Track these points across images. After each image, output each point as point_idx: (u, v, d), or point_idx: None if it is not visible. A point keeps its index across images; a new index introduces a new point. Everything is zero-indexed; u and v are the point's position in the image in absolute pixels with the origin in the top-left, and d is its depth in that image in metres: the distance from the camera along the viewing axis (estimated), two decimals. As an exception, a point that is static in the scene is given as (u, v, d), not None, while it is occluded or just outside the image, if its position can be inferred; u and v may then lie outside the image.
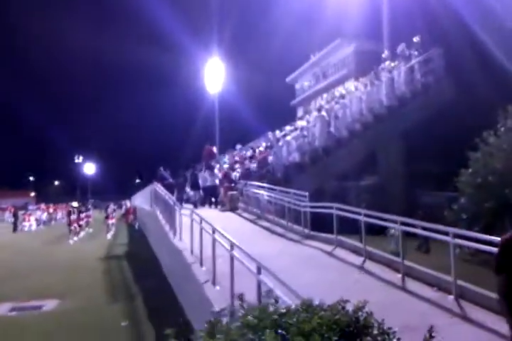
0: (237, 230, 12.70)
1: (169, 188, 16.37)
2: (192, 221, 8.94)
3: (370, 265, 8.40)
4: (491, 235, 11.55)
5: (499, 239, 6.45)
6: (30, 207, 36.23)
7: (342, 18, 32.70)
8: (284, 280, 7.59)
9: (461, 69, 19.45)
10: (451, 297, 6.53)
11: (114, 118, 59.92)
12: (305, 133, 18.96)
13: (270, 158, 18.49)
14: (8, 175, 52.96)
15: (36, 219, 28.59)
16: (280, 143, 19.11)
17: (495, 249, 6.39)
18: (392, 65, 20.89)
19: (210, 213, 16.54)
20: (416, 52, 20.88)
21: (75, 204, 27.22)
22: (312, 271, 7.91)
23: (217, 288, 6.64)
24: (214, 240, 7.27)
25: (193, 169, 18.69)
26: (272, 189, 14.53)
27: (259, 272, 4.92)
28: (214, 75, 39.05)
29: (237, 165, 20.33)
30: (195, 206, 17.37)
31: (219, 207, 17.60)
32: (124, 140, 60.15)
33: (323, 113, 19.42)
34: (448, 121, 17.97)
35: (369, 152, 19.60)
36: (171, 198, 12.00)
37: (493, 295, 6.22)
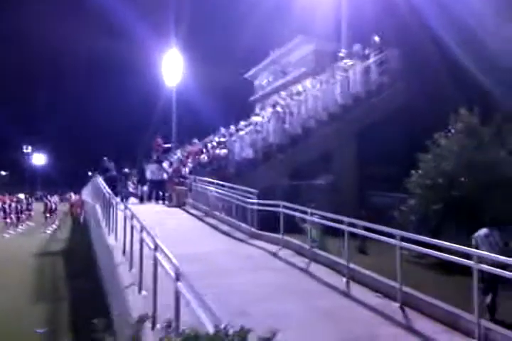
0: (181, 227, 12.03)
1: (112, 181, 15.45)
2: (125, 217, 8.17)
3: (314, 267, 7.91)
4: (438, 238, 11.40)
5: (445, 243, 6.09)
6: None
7: (304, 15, 32.42)
8: (218, 282, 7.07)
9: (416, 71, 19.40)
10: (396, 305, 6.11)
11: (68, 108, 57.46)
12: (259, 128, 18.40)
13: (223, 153, 17.81)
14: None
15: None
16: (233, 138, 18.49)
17: (440, 254, 6.02)
18: (349, 63, 20.62)
19: (154, 209, 15.76)
20: (373, 53, 20.69)
21: (21, 195, 25.66)
22: (250, 273, 7.34)
23: (144, 293, 5.93)
24: (142, 239, 6.56)
25: (140, 162, 17.76)
26: (222, 185, 13.88)
27: (177, 278, 4.26)
28: (172, 67, 37.97)
29: (188, 160, 19.55)
30: (141, 200, 16.52)
31: (166, 202, 16.81)
32: (78, 131, 57.81)
33: (278, 108, 18.93)
34: (402, 123, 17.83)
35: (323, 151, 19.25)
36: (108, 191, 11.13)
37: (438, 303, 5.85)
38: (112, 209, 9.87)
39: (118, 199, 17.07)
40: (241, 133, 18.57)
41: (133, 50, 52.38)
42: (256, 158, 17.84)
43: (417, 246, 6.45)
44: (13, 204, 19.69)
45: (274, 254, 8.84)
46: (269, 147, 18.28)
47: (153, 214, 14.32)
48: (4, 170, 63.19)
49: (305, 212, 8.68)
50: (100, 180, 13.89)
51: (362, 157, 18.72)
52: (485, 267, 5.22)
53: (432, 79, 18.31)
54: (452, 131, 12.99)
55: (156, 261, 5.28)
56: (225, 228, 11.99)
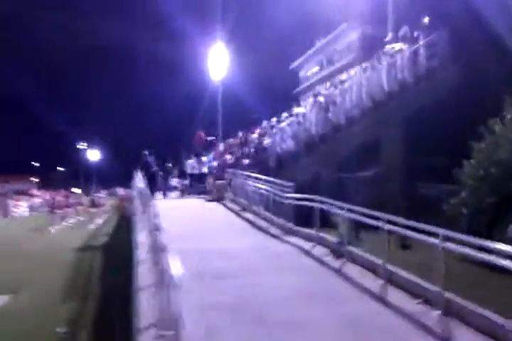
0: (215, 222, 11.66)
1: (152, 176, 15.30)
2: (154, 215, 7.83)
3: (349, 267, 7.24)
4: (492, 233, 10.36)
5: (496, 244, 5.28)
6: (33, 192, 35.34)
7: (348, 4, 31.19)
8: (240, 282, 6.58)
9: (467, 54, 17.98)
10: (437, 312, 5.38)
11: (118, 105, 58.80)
12: (301, 119, 17.70)
13: (265, 143, 17.24)
14: (12, 161, 52.17)
15: (31, 205, 27.70)
16: (274, 130, 17.91)
17: (489, 257, 5.22)
18: (396, 48, 19.43)
19: (193, 203, 15.51)
20: (422, 35, 19.38)
21: (76, 190, 26.17)
22: (277, 273, 6.80)
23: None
24: (155, 240, 6.13)
25: (179, 156, 17.53)
26: (259, 178, 13.37)
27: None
28: (218, 61, 37.72)
29: (229, 153, 19.14)
30: (182, 195, 16.30)
31: (207, 196, 16.52)
32: (131, 127, 59.14)
33: (320, 99, 18.14)
34: (453, 109, 16.57)
35: (368, 141, 18.28)
36: (139, 187, 10.91)
37: (484, 312, 5.08)
38: (144, 206, 9.61)
39: (160, 195, 17.10)
40: (282, 124, 17.94)
41: (180, 46, 52.70)
42: (298, 149, 17.19)
43: (463, 247, 5.68)
44: (62, 199, 20.08)
45: (307, 252, 8.23)
46: (311, 138, 17.56)
47: (189, 208, 14.07)
48: (61, 167, 65.81)
49: (341, 208, 7.99)
50: (138, 175, 13.74)
51: (410, 146, 17.57)
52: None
53: (486, 62, 16.89)
54: (508, 116, 11.78)
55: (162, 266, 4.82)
56: (262, 223, 11.48)
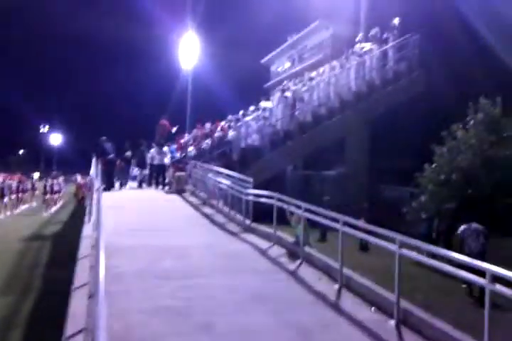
0: (170, 216, 11.17)
1: (109, 164, 14.61)
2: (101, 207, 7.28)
3: (305, 270, 6.93)
4: (450, 239, 10.26)
5: (454, 254, 5.07)
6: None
7: (322, 0, 30.95)
8: (186, 283, 6.18)
9: (437, 58, 18.03)
10: (392, 322, 5.13)
11: (85, 91, 56.92)
12: (267, 114, 17.33)
13: (230, 136, 16.78)
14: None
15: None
16: (239, 124, 17.48)
17: (448, 268, 5.00)
18: (365, 48, 19.28)
19: (150, 194, 14.94)
20: (391, 37, 19.30)
21: (35, 175, 24.87)
22: (228, 275, 6.41)
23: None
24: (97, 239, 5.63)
25: (140, 145, 16.81)
26: (220, 172, 12.94)
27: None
28: (188, 50, 36.84)
29: (193, 144, 18.60)
30: (140, 185, 15.66)
31: (166, 188, 15.96)
32: (95, 113, 57.35)
33: (287, 94, 17.80)
34: (419, 113, 16.58)
35: (333, 140, 18.13)
36: (93, 175, 10.31)
37: (440, 324, 4.86)
38: (95, 196, 9.02)
39: (117, 184, 16.40)
40: (247, 118, 17.53)
41: (149, 33, 51.43)
42: (262, 145, 16.85)
43: (418, 255, 5.47)
44: (14, 184, 19.00)
45: (263, 252, 7.88)
46: (277, 134, 17.25)
47: (146, 200, 13.51)
48: (21, 149, 63.29)
49: (299, 206, 7.68)
50: (93, 162, 13.05)
51: (375, 147, 17.56)
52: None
53: (454, 67, 16.95)
54: (471, 122, 11.79)
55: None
56: (220, 219, 11.07)
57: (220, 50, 41.80)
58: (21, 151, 63.01)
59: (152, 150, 16.32)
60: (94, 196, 8.64)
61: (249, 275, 6.48)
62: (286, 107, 17.00)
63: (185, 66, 37.07)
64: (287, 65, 38.21)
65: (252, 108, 19.14)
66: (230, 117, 19.39)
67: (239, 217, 10.55)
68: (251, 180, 10.42)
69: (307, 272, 6.81)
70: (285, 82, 23.21)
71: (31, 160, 57.24)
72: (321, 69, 20.82)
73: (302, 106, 17.62)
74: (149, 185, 16.51)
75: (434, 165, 11.94)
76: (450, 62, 16.91)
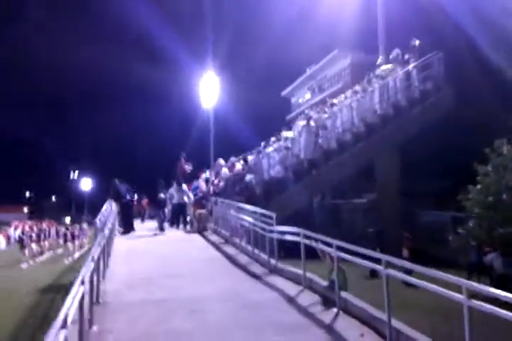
0: (191, 259, 9.94)
1: (124, 208, 13.63)
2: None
3: (344, 323, 5.56)
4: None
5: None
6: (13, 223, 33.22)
7: (339, 30, 30.42)
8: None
9: (462, 76, 16.80)
10: None
11: (110, 134, 57.58)
12: (289, 144, 16.23)
13: (244, 171, 15.63)
14: (5, 191, 50.21)
15: (8, 237, 25.68)
16: (261, 156, 16.40)
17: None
18: (387, 69, 18.21)
19: (171, 235, 13.80)
20: (413, 58, 18.22)
21: (67, 220, 24.15)
22: (249, 335, 5.09)
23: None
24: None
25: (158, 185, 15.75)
26: (241, 208, 11.76)
27: None
28: (209, 89, 36.64)
29: (215, 180, 17.52)
30: (161, 228, 14.56)
31: (188, 227, 14.81)
32: (121, 156, 57.67)
33: (311, 123, 16.73)
34: (449, 132, 15.24)
35: (361, 166, 16.82)
36: (104, 221, 9.26)
37: None
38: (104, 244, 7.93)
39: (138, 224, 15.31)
40: (269, 149, 16.45)
41: (171, 75, 52.05)
42: (286, 176, 15.67)
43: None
44: (35, 231, 18.16)
45: (291, 300, 6.53)
46: (301, 164, 16.06)
47: (164, 242, 12.37)
48: (53, 196, 63.73)
49: (329, 244, 6.37)
50: (105, 207, 12.04)
51: (406, 172, 16.12)
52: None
53: (479, 84, 15.70)
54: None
55: None
56: (243, 259, 9.77)
57: (240, 86, 41.55)
58: (53, 197, 63.54)
59: (171, 189, 15.32)
60: (98, 241, 7.55)
61: (275, 333, 5.14)
62: (310, 136, 15.87)
63: (206, 105, 36.86)
64: (307, 95, 37.54)
65: (273, 138, 18.11)
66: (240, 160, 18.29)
67: (263, 256, 9.24)
68: (274, 215, 9.17)
69: (346, 325, 5.43)
70: (306, 111, 22.26)
71: (64, 206, 57.36)
72: (342, 97, 19.82)
73: (326, 134, 16.49)
74: (171, 225, 15.40)
75: (479, 186, 10.44)
76: (475, 79, 15.69)
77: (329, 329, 5.36)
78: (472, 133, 14.35)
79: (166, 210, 15.27)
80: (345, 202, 19.79)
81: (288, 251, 8.88)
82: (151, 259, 9.95)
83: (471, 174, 11.27)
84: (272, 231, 8.76)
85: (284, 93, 40.20)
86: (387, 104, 17.01)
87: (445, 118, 15.59)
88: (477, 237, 10.00)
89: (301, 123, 18.28)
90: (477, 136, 12.68)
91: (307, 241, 6.98)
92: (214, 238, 12.76)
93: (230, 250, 10.87)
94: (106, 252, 8.63)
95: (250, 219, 10.05)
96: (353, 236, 12.82)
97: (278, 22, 36.13)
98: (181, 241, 12.57)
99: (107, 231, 8.88)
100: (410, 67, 17.68)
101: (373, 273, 10.35)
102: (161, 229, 14.06)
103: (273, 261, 8.66)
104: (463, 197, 10.55)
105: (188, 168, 15.64)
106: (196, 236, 13.19)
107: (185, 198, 14.67)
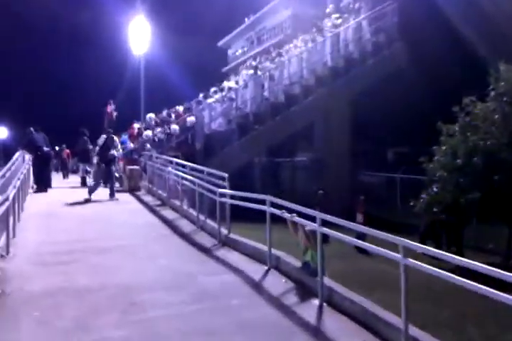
0: (122, 226, 8.12)
1: (43, 160, 11.30)
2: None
3: (329, 320, 4.16)
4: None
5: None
6: None
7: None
8: None
9: (416, 29, 15.54)
10: None
11: (30, 80, 51.45)
12: (233, 95, 14.38)
13: (189, 121, 13.68)
14: None
15: None
16: (201, 107, 14.47)
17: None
18: (339, 21, 16.55)
19: (99, 194, 11.70)
20: (365, 7, 16.67)
21: None
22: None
23: None
24: None
25: (82, 134, 13.38)
26: (182, 165, 9.96)
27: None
28: (139, 35, 33.00)
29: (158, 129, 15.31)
30: (84, 183, 12.38)
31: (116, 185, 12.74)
32: (42, 103, 52.05)
33: (259, 72, 14.91)
34: (407, 88, 14.06)
35: (309, 122, 15.44)
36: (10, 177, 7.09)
37: None
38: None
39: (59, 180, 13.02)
40: (210, 100, 14.50)
41: (98, 17, 46.84)
42: (229, 130, 13.94)
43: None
44: None
45: (257, 286, 5.03)
46: (245, 117, 14.37)
47: (89, 203, 10.33)
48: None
49: (311, 217, 4.85)
50: (15, 157, 9.71)
51: (356, 129, 14.94)
52: None
53: (436, 36, 14.55)
54: (492, 93, 9.30)
55: None
56: (186, 226, 8.12)
57: (173, 33, 37.93)
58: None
59: (98, 140, 13.03)
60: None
61: (248, 336, 3.62)
62: (257, 86, 14.11)
63: (137, 52, 33.38)
64: (246, 47, 35.13)
65: (213, 89, 16.06)
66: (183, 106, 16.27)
67: (211, 224, 7.64)
68: (226, 175, 7.51)
69: (336, 327, 4.02)
70: (248, 62, 20.25)
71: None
72: (291, 45, 18.01)
73: (272, 86, 14.79)
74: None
75: (444, 148, 9.36)
76: (433, 29, 14.48)
77: (313, 328, 3.93)
78: (426, 90, 13.35)
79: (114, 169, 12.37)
80: (287, 160, 18.46)
81: (240, 214, 7.29)
82: (71, 225, 8.00)
83: (428, 134, 10.21)
84: (223, 195, 7.11)
85: (220, 43, 37.39)
86: (339, 56, 15.51)
87: (399, 74, 14.40)
88: (441, 203, 8.99)
89: (245, 72, 16.37)
90: (439, 92, 11.61)
91: (277, 211, 5.40)
92: (148, 199, 10.93)
93: (169, 214, 9.16)
94: (12, 217, 6.59)
95: (195, 179, 8.29)
96: (295, 196, 11.60)
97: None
98: (110, 202, 10.57)
99: (14, 190, 6.77)
100: (362, 17, 16.16)
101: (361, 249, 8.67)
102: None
103: (224, 231, 7.10)
104: (425, 160, 9.41)
105: (114, 113, 13.35)
106: (127, 196, 11.26)
107: (114, 151, 12.34)
